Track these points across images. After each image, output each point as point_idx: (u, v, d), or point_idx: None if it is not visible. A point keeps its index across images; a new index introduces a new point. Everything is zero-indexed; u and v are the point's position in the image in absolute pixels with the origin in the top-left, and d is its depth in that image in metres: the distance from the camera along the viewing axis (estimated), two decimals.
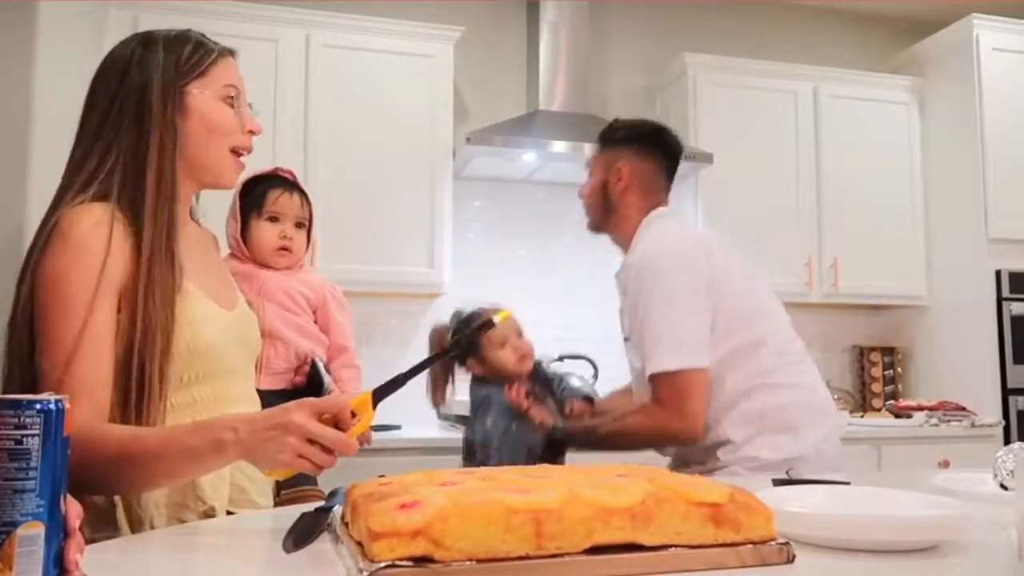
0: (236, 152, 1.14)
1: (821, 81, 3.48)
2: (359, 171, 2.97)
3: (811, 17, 3.83)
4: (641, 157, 1.79)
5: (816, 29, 3.81)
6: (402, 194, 3.01)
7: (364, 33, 3.02)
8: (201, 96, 1.10)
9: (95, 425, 0.95)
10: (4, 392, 1.02)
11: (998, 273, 3.28)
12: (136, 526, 1.02)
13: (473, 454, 1.79)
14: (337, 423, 0.92)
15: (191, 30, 1.15)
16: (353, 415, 0.93)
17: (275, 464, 0.92)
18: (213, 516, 1.07)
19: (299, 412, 0.90)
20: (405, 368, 0.96)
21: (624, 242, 1.79)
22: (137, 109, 1.06)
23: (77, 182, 1.05)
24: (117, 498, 1.02)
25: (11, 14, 2.29)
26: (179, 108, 1.09)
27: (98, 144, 1.07)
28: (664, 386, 1.57)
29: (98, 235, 1.00)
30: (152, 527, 1.02)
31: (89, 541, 0.96)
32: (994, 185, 3.33)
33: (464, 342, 0.94)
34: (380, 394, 0.95)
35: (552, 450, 1.68)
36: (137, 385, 1.00)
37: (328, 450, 0.90)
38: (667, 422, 1.57)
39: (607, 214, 1.80)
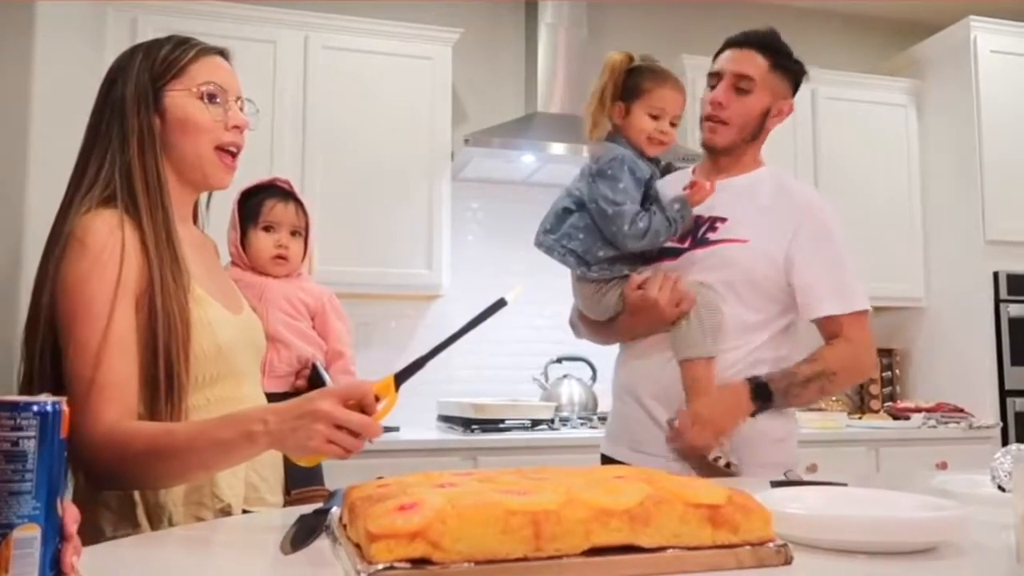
0: (222, 149, 1.14)
1: (819, 83, 3.48)
2: (357, 173, 2.97)
3: (809, 19, 3.84)
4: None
5: (814, 31, 3.81)
6: (400, 196, 3.01)
7: (362, 35, 3.03)
8: (176, 96, 1.12)
9: (124, 423, 0.98)
10: (23, 393, 1.03)
11: (996, 275, 3.29)
12: (156, 524, 1.05)
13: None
14: (362, 408, 0.94)
15: (177, 35, 1.16)
16: (376, 399, 0.96)
17: (305, 451, 0.95)
18: (230, 513, 1.09)
19: (325, 400, 0.93)
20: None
21: (730, 172, 1.62)
22: (120, 115, 1.10)
23: (81, 189, 1.09)
24: (137, 497, 1.04)
25: (9, 15, 2.28)
26: (156, 109, 1.11)
27: (94, 151, 1.10)
28: (857, 324, 1.54)
29: (113, 240, 1.03)
30: (171, 524, 1.05)
31: (111, 539, 0.97)
32: (992, 187, 3.34)
33: (474, 324, 1.00)
34: (402, 377, 0.98)
35: (759, 399, 1.47)
36: (166, 383, 1.02)
37: (355, 434, 0.93)
38: (863, 357, 1.55)
39: (749, 140, 1.61)
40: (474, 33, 3.35)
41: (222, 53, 1.18)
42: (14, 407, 0.61)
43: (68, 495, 1.05)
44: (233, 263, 1.88)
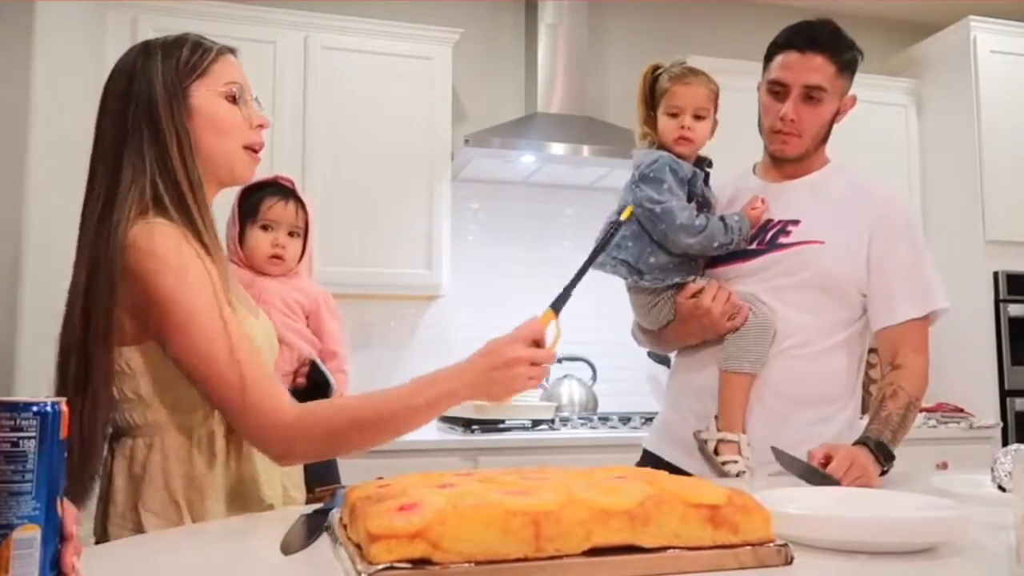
0: (249, 148, 1.16)
1: None
2: (357, 173, 2.97)
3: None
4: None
5: None
6: (400, 196, 3.01)
7: (362, 35, 3.03)
8: (203, 95, 1.11)
9: (313, 405, 1.06)
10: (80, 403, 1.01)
11: (996, 275, 3.29)
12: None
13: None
14: (536, 343, 1.08)
15: (189, 33, 1.15)
16: None
17: (508, 395, 1.09)
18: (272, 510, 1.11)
19: (515, 346, 1.07)
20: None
21: (797, 174, 1.60)
22: (149, 116, 1.08)
23: (119, 196, 1.05)
24: (182, 501, 1.04)
25: (9, 14, 2.28)
26: (185, 109, 1.10)
27: (124, 155, 1.07)
28: (924, 332, 1.52)
29: (187, 248, 1.03)
30: None
31: None
32: (992, 187, 3.33)
33: (600, 249, 1.22)
34: (558, 306, 1.13)
35: (886, 458, 1.36)
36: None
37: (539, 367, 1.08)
38: (927, 371, 1.49)
39: (820, 143, 1.60)
40: (474, 33, 3.35)
41: (233, 52, 1.18)
42: (14, 407, 0.61)
43: (94, 496, 1.05)
44: (230, 259, 1.89)
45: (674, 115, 1.53)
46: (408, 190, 3.02)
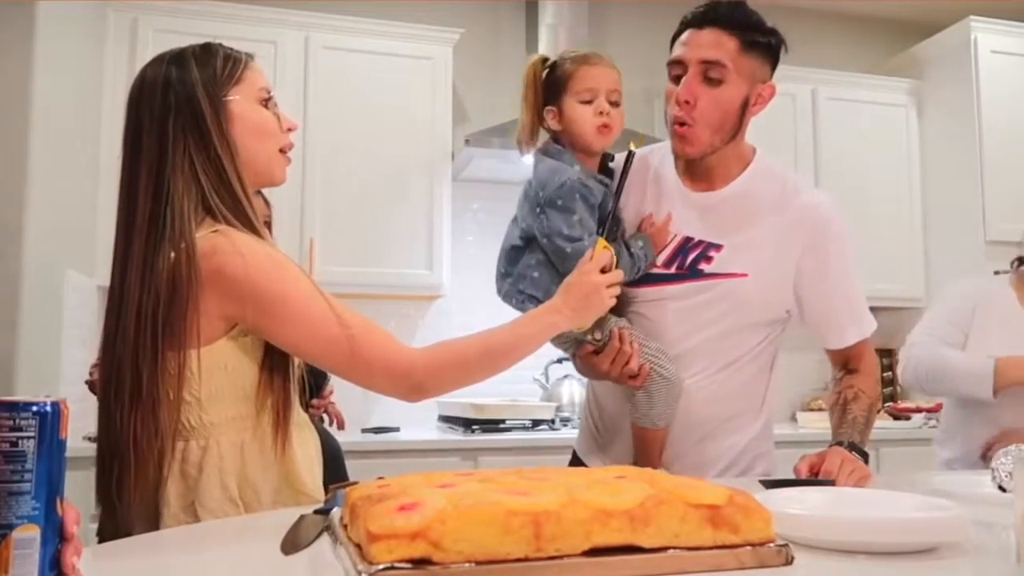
0: (282, 151, 1.19)
1: (819, 84, 3.48)
2: (358, 173, 2.97)
3: (809, 20, 3.84)
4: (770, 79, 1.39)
5: (814, 32, 3.81)
6: (401, 196, 3.01)
7: (363, 35, 3.03)
8: (241, 102, 1.13)
9: (433, 345, 1.15)
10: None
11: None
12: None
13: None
14: (602, 270, 1.24)
15: (212, 41, 1.17)
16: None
17: (597, 315, 1.26)
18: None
19: (592, 275, 1.23)
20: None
21: (717, 179, 1.41)
22: (195, 125, 1.09)
23: (171, 205, 1.05)
24: (239, 500, 1.07)
25: (9, 15, 2.28)
26: (226, 117, 1.11)
27: (169, 164, 1.07)
28: (869, 343, 1.48)
29: (267, 246, 1.09)
30: None
31: None
32: (992, 187, 3.34)
33: (622, 183, 1.30)
34: (606, 236, 1.28)
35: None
36: (285, 391, 1.12)
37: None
38: (879, 377, 1.49)
39: (729, 138, 1.36)
40: (474, 33, 3.35)
41: (253, 59, 1.20)
42: (13, 407, 0.61)
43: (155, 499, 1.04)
44: None
45: (587, 102, 1.35)
46: (408, 190, 3.02)
